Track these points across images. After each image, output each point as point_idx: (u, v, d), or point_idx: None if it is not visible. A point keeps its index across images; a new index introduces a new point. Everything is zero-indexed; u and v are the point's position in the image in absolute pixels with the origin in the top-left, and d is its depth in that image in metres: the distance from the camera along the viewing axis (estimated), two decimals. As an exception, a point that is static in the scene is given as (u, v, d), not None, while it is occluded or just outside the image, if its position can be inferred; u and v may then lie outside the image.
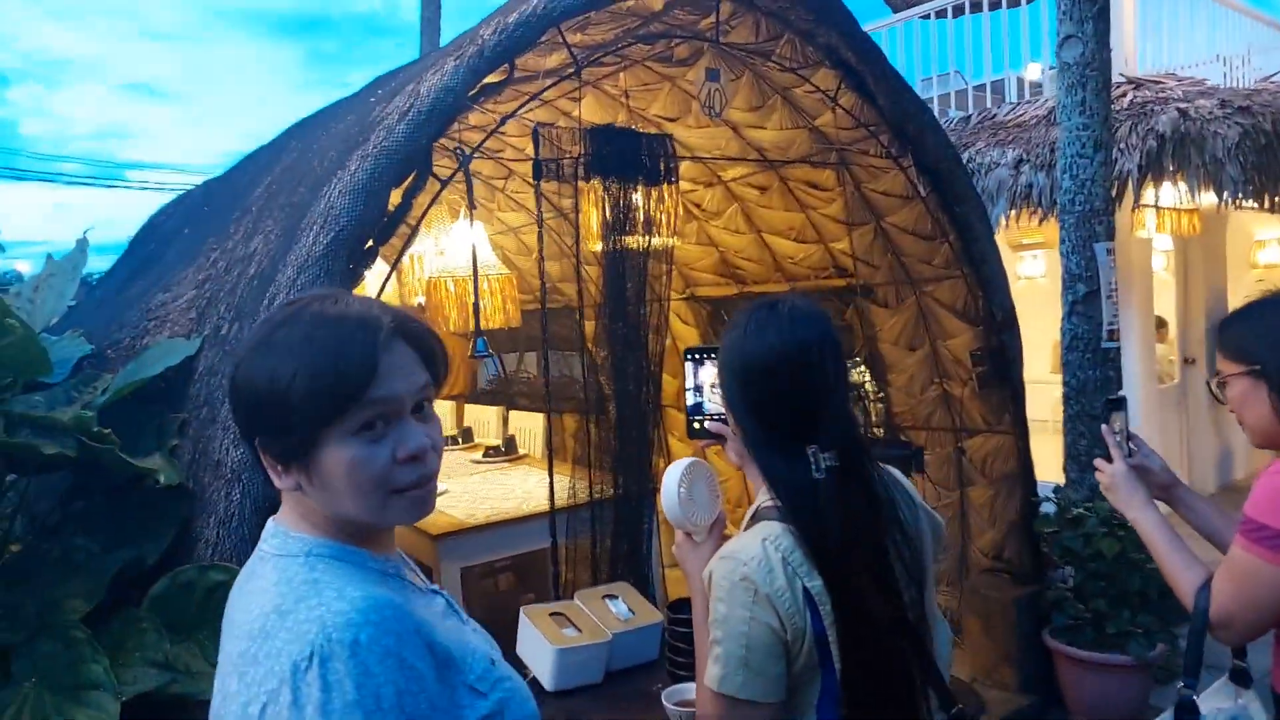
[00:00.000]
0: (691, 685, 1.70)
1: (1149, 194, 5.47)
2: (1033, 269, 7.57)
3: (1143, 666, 3.48)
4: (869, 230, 4.02)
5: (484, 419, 5.83)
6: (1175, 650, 3.52)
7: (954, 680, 1.48)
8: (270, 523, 1.03)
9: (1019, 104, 6.48)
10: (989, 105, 6.82)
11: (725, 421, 1.42)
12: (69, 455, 2.02)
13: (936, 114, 6.54)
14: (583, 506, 3.18)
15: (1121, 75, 5.66)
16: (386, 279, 3.05)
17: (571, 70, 2.93)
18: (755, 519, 1.32)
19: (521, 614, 2.31)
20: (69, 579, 1.98)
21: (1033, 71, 7.49)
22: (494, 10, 2.88)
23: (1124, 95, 5.50)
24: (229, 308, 2.51)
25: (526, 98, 2.94)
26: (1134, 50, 6.07)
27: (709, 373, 1.52)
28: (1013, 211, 5.55)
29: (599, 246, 3.14)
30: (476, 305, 3.07)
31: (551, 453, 3.25)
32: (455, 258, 3.89)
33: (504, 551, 3.82)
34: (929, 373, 4.18)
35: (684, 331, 5.61)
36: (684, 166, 3.90)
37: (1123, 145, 5.11)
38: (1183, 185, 5.23)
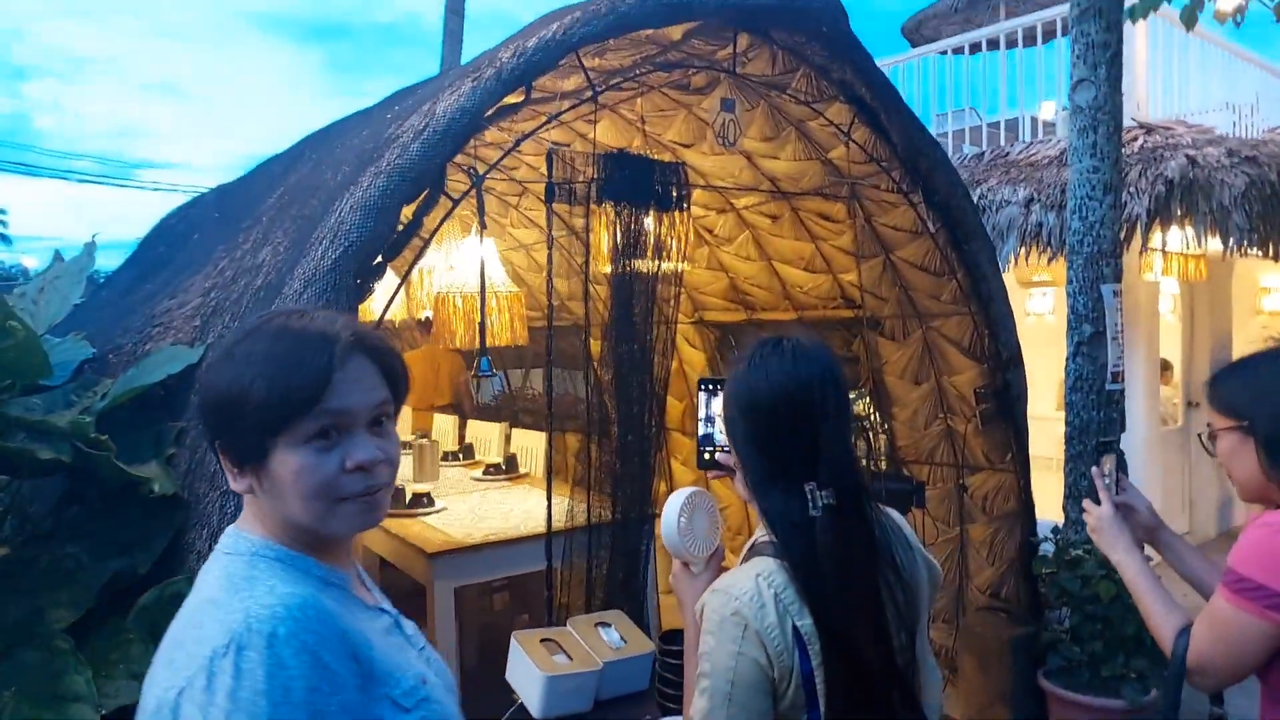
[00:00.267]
0: (680, 719, 1.69)
1: (1157, 238, 5.47)
2: (1040, 306, 7.57)
3: (1136, 711, 3.44)
4: (878, 263, 4.02)
5: (486, 436, 5.80)
6: (1171, 698, 3.49)
7: (946, 720, 1.47)
8: (229, 527, 1.07)
9: (1032, 143, 6.50)
10: (1002, 143, 6.84)
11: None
12: (64, 461, 2.01)
13: (950, 150, 6.58)
14: (581, 530, 3.16)
15: (1133, 119, 5.68)
16: (395, 292, 3.04)
17: (589, 94, 2.95)
18: (752, 553, 1.31)
19: (513, 639, 2.29)
20: (57, 587, 1.96)
21: (1047, 111, 7.52)
22: (516, 31, 2.90)
23: (1135, 139, 5.52)
24: (234, 317, 2.51)
25: (543, 118, 2.95)
26: (1145, 95, 6.10)
27: (720, 404, 1.51)
28: (1022, 249, 5.56)
29: (608, 269, 3.14)
30: (483, 325, 3.06)
31: (551, 475, 3.23)
32: (464, 273, 3.90)
33: (500, 572, 3.79)
34: (933, 408, 4.17)
35: (691, 355, 5.60)
36: (697, 192, 3.92)
37: (1132, 189, 5.12)
38: (1190, 230, 5.24)
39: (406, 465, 4.90)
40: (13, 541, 2.20)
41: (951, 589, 4.15)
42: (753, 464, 1.32)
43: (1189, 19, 4.26)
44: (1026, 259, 5.62)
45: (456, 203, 2.65)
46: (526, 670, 2.22)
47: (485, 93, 2.49)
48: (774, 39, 3.19)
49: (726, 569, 1.36)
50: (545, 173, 3.03)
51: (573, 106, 3.02)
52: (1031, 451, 4.04)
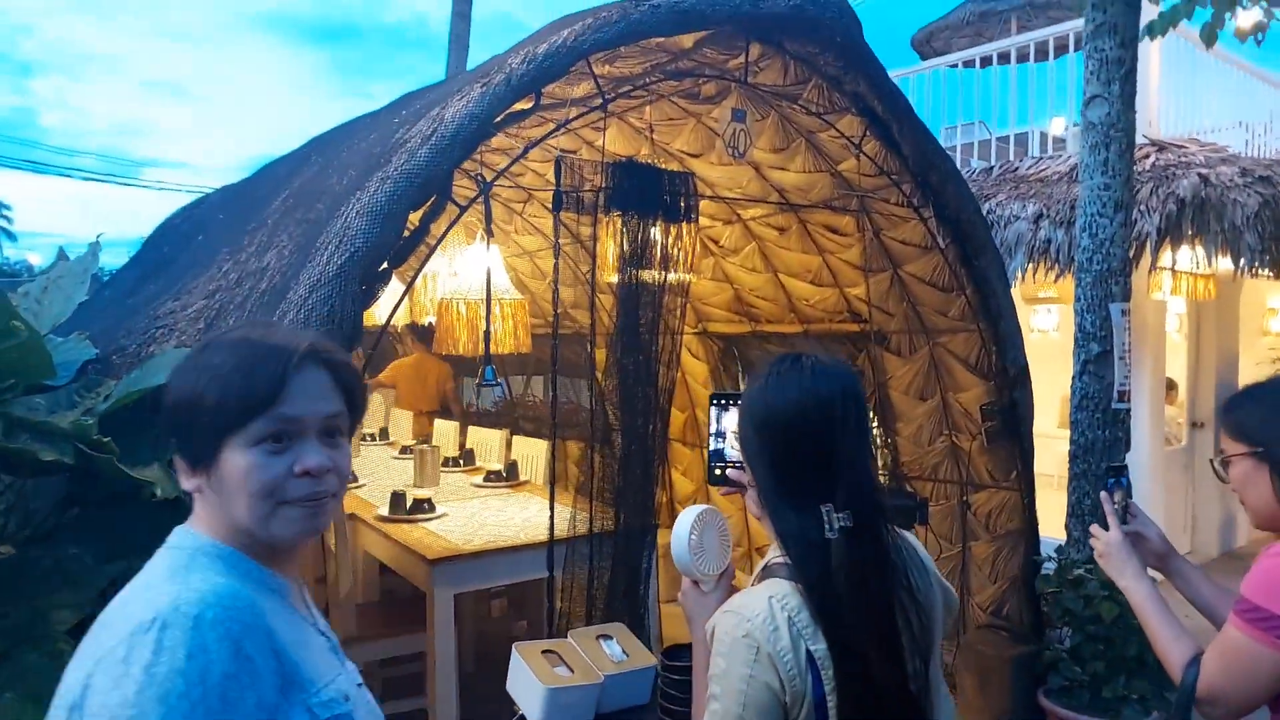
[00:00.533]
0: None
1: (1166, 257, 5.45)
2: (1045, 322, 7.55)
3: (1137, 733, 3.42)
4: (886, 278, 4.00)
5: (487, 442, 5.79)
6: (1169, 718, 3.46)
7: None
8: (179, 526, 1.08)
9: (1041, 158, 6.49)
10: (1011, 158, 6.83)
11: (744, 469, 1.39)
12: (66, 462, 1.99)
13: (958, 163, 6.55)
14: (582, 539, 3.13)
15: (1144, 136, 5.66)
16: (401, 299, 3.03)
17: (599, 102, 2.93)
18: (765, 574, 1.29)
19: (514, 651, 2.27)
20: (59, 589, 1.94)
21: (1056, 126, 7.51)
22: (525, 37, 2.89)
23: (1147, 157, 5.51)
24: (238, 321, 2.49)
25: (551, 125, 2.94)
26: (1157, 112, 6.08)
27: (733, 419, 1.49)
28: (1030, 265, 5.54)
29: (614, 278, 3.12)
30: (488, 333, 3.04)
31: (554, 483, 3.21)
32: (468, 279, 3.88)
33: (500, 579, 3.77)
34: (938, 424, 4.15)
35: (694, 366, 5.58)
36: (703, 202, 3.91)
37: (1143, 207, 5.11)
38: (1200, 250, 5.22)
39: (408, 470, 4.89)
40: (15, 539, 2.18)
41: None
42: (767, 483, 1.30)
43: (1209, 37, 4.23)
44: (1034, 275, 5.60)
45: (464, 209, 2.63)
46: (527, 682, 2.20)
47: (495, 98, 2.47)
48: (786, 49, 3.17)
49: (737, 588, 1.33)
50: (551, 180, 3.01)
51: (581, 114, 3.01)
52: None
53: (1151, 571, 1.81)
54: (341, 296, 2.19)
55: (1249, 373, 6.81)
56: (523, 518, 4.05)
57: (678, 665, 2.02)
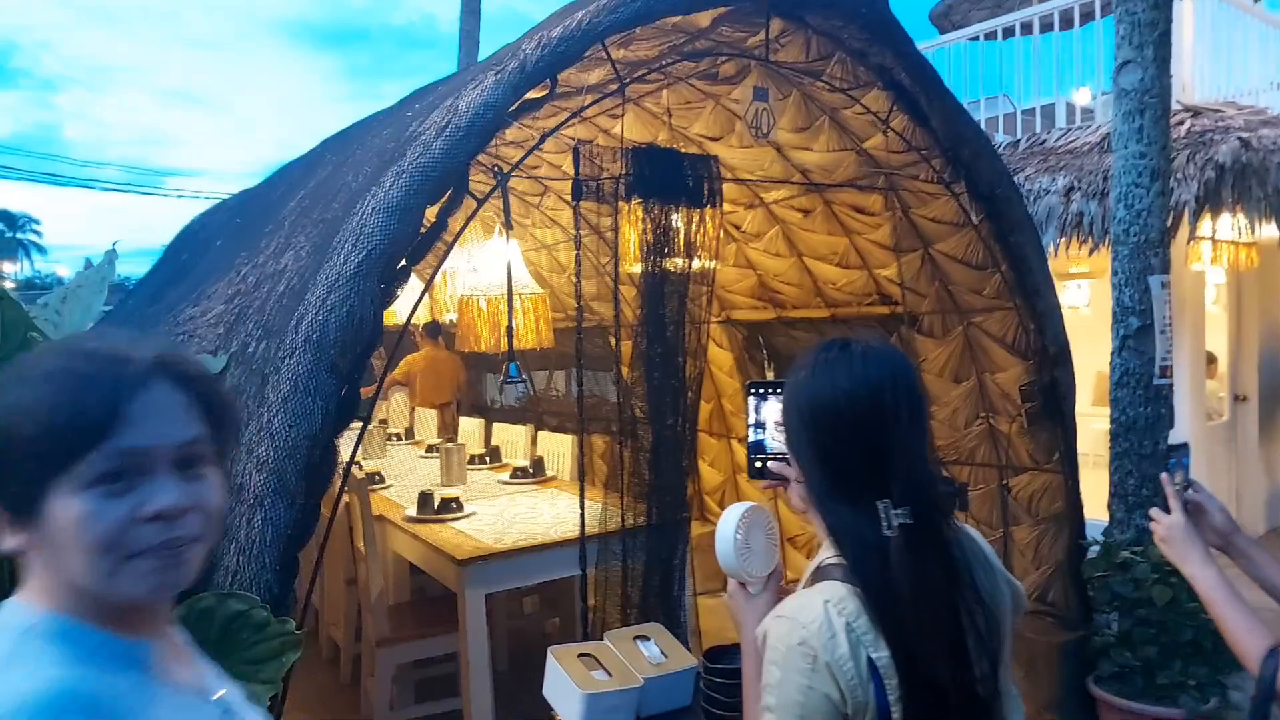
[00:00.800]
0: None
1: (1205, 226, 5.28)
2: (1076, 298, 7.37)
3: (1194, 720, 3.31)
4: (916, 257, 3.89)
5: (512, 439, 5.75)
6: (1228, 704, 3.36)
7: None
8: (9, 599, 0.89)
9: (1069, 129, 6.32)
10: (1038, 130, 6.66)
11: (788, 462, 1.30)
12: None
13: (983, 138, 6.39)
14: (613, 534, 3.07)
15: (1178, 102, 5.49)
16: (421, 296, 2.96)
17: (615, 87, 2.84)
18: (818, 576, 1.21)
19: (549, 655, 2.21)
20: None
21: (1083, 96, 7.32)
22: (535, 25, 2.80)
23: (1182, 123, 5.33)
24: (257, 325, 2.44)
25: (566, 114, 2.86)
26: (1191, 76, 5.89)
27: (772, 409, 1.40)
28: (1062, 240, 5.39)
29: (637, 268, 3.04)
30: (510, 329, 2.97)
31: (584, 479, 3.14)
32: (488, 275, 3.82)
33: (531, 578, 3.72)
34: (975, 406, 4.03)
35: (718, 355, 5.50)
36: (725, 187, 3.82)
37: (1180, 175, 4.94)
38: (1242, 218, 5.06)
39: (434, 469, 4.85)
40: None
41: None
42: (816, 478, 1.21)
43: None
44: (1066, 250, 5.46)
45: (481, 202, 2.56)
46: (565, 688, 2.14)
47: (509, 86, 2.39)
48: (809, 23, 3.06)
49: (786, 589, 1.25)
50: (568, 171, 2.93)
51: (597, 100, 2.92)
52: (1069, 450, 3.89)
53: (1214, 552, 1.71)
54: (360, 296, 2.12)
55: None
56: (552, 514, 3.99)
57: (720, 668, 1.95)
